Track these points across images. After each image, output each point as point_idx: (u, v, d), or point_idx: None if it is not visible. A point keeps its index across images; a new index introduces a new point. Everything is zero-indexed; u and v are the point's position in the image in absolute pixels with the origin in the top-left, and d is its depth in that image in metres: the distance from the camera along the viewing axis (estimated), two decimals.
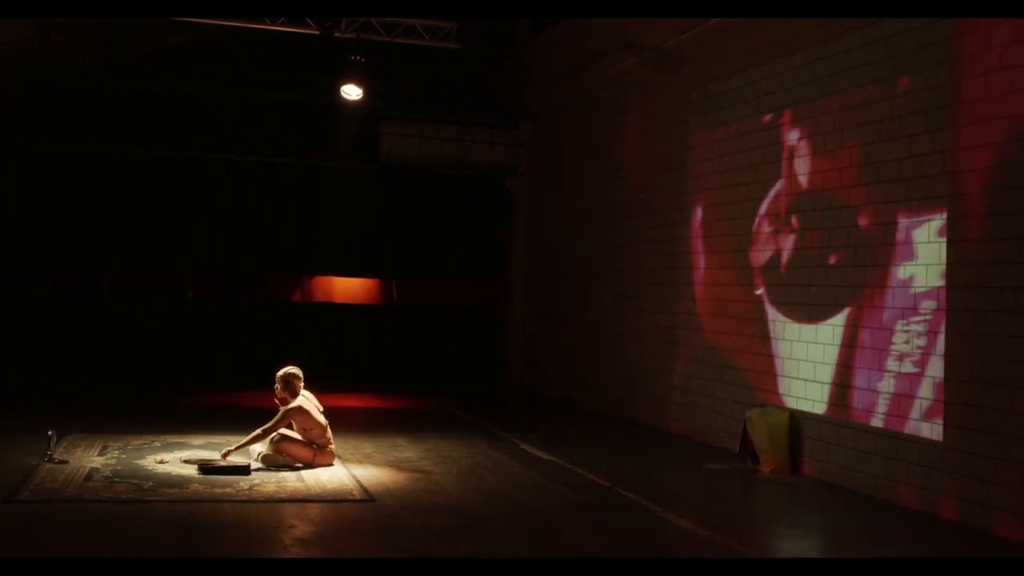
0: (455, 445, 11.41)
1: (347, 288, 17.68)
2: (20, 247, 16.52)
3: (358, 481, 9.10)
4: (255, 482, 8.90)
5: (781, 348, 10.77)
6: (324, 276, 17.58)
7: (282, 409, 9.67)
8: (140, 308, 17.05)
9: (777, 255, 10.94)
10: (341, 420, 10.17)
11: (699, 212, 12.53)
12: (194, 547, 7.03)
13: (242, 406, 13.64)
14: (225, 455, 9.46)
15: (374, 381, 16.74)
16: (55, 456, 9.42)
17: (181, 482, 8.77)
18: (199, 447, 10.45)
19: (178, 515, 7.76)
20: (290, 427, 9.72)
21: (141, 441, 10.63)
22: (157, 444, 10.53)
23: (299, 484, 8.91)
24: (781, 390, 10.69)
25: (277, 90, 17.08)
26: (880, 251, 9.37)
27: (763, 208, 11.20)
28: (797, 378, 10.44)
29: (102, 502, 8.03)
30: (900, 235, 9.13)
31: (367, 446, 10.97)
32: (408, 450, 10.96)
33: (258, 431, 9.62)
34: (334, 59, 14.78)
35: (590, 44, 15.53)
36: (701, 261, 12.46)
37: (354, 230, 17.52)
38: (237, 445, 9.60)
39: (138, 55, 16.47)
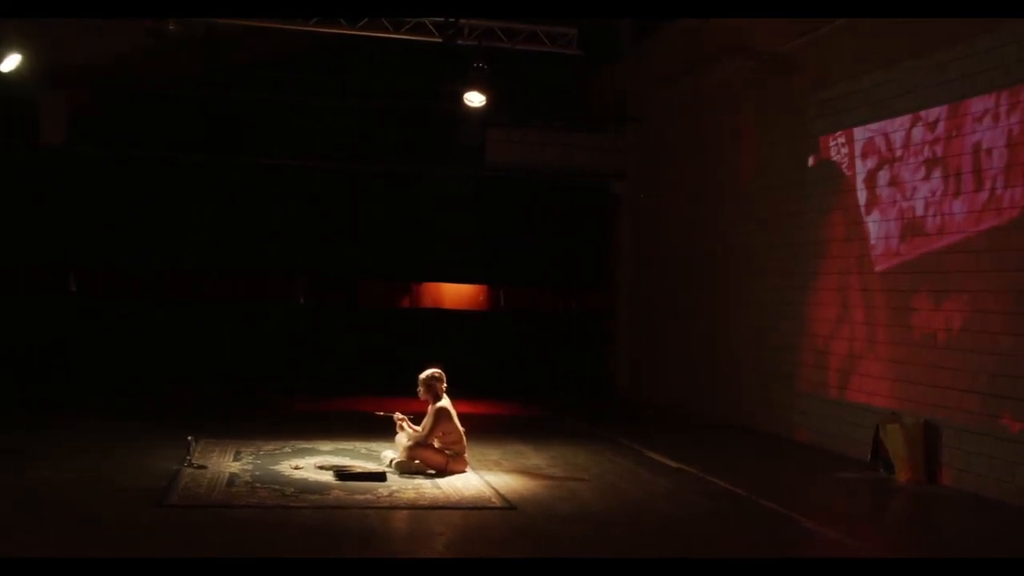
0: (578, 452, 11.37)
1: (455, 294, 17.74)
2: (132, 255, 16.79)
3: (495, 489, 9.09)
4: (393, 488, 8.92)
5: (916, 355, 10.54)
6: (432, 283, 17.66)
7: (431, 409, 9.72)
8: (251, 314, 17.25)
9: (914, 260, 10.72)
10: None
11: (823, 217, 12.33)
12: (347, 553, 7.06)
13: (357, 411, 13.77)
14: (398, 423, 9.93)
15: (483, 387, 16.74)
16: (194, 461, 9.56)
17: (321, 488, 8.83)
18: (328, 452, 10.53)
19: (325, 521, 7.80)
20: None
21: (272, 447, 10.74)
22: (288, 449, 10.63)
23: (437, 491, 8.92)
24: (917, 397, 10.45)
25: (383, 98, 17.15)
26: (1014, 256, 9.15)
27: (896, 212, 10.99)
28: (935, 386, 10.20)
29: (249, 508, 8.10)
30: None
31: (493, 453, 10.95)
32: (534, 457, 10.94)
33: (420, 433, 9.68)
34: (440, 66, 14.86)
35: (698, 47, 15.39)
36: (827, 266, 12.25)
37: (462, 237, 17.56)
38: (411, 439, 9.71)
39: (249, 62, 16.67)
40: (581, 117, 17.74)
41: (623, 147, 17.96)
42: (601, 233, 18.27)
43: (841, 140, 11.94)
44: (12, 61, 11.36)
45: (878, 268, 11.24)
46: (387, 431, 10.48)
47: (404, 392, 14.32)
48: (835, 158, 12.08)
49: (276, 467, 9.67)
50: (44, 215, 16.42)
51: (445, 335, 17.43)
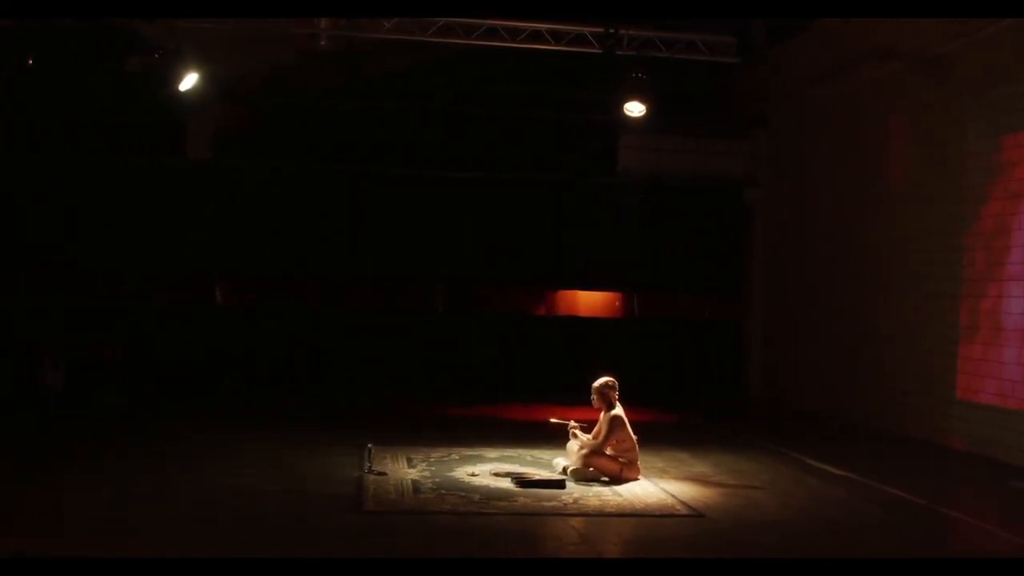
0: (739, 459, 11.37)
1: (589, 302, 17.78)
2: (277, 265, 17.10)
3: (675, 496, 9.15)
4: (576, 496, 9.03)
5: None
6: (567, 290, 17.73)
7: (604, 417, 9.83)
8: (391, 321, 17.38)
9: None
10: None
11: (985, 221, 12.15)
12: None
13: (508, 419, 13.98)
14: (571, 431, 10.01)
15: (622, 393, 16.74)
16: (374, 468, 9.78)
17: (505, 495, 8.96)
18: (496, 460, 10.65)
19: (524, 528, 7.95)
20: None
21: (440, 454, 10.89)
22: (456, 457, 10.78)
23: (619, 499, 9.00)
24: None
25: (515, 106, 17.23)
26: None
27: None
28: None
29: (445, 514, 8.26)
30: None
31: (655, 460, 10.95)
32: (697, 465, 10.97)
33: (594, 441, 9.79)
34: (575, 74, 14.95)
35: (838, 50, 15.25)
36: (986, 273, 12.07)
37: (595, 244, 17.51)
38: (585, 446, 9.78)
39: (380, 74, 16.93)
40: (714, 122, 17.67)
41: (757, 153, 17.88)
42: (735, 239, 18.14)
43: (1010, 144, 11.73)
44: (190, 80, 11.75)
45: None
46: (547, 437, 10.65)
47: (544, 398, 14.52)
48: (1001, 162, 11.88)
49: (452, 474, 9.84)
50: (191, 228, 16.80)
51: (581, 342, 17.43)
